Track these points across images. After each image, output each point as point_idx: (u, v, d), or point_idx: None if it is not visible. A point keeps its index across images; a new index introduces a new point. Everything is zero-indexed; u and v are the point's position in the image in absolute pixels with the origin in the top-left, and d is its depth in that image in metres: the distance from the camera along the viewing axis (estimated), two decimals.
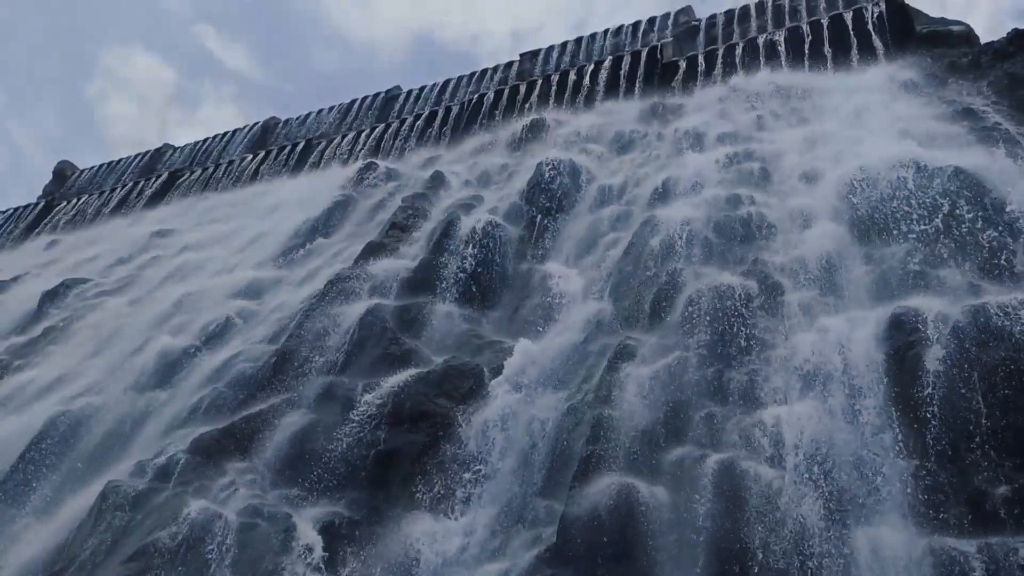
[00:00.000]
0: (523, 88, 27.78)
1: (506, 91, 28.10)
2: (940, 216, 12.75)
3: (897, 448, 9.53)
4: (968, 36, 21.63)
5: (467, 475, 10.99)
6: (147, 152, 37.81)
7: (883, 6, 22.74)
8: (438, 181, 20.60)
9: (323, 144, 30.88)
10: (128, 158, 38.28)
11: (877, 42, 22.07)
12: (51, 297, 20.83)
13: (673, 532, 9.10)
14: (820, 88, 20.96)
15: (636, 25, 30.34)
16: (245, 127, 36.10)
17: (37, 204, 36.93)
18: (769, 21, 26.18)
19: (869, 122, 17.63)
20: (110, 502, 11.17)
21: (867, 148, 15.63)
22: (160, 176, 34.26)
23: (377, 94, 33.62)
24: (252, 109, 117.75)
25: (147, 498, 11.18)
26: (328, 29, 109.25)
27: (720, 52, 24.97)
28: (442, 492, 10.87)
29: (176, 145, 37.71)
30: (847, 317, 11.56)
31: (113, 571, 10.04)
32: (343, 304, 14.76)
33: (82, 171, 39.25)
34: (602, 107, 24.75)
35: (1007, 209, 12.52)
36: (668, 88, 24.71)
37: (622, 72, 26.02)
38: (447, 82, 32.09)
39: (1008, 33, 19.39)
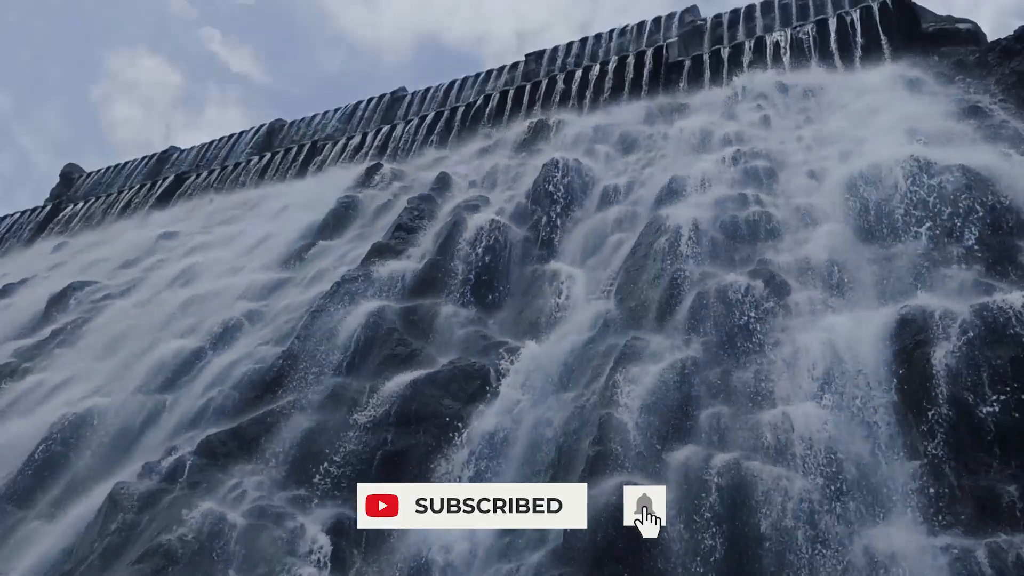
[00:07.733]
0: (528, 89, 27.74)
1: (511, 92, 28.06)
2: (947, 214, 12.73)
3: (905, 447, 9.51)
4: (975, 34, 21.60)
5: (474, 476, 10.97)
6: (153, 155, 37.85)
7: (890, 4, 22.67)
8: (444, 182, 20.58)
9: (329, 146, 30.86)
10: (134, 161, 38.33)
11: (883, 40, 22.00)
12: (58, 300, 20.88)
13: (679, 532, 9.08)
14: (826, 87, 20.91)
15: (641, 25, 30.29)
16: (251, 129, 36.04)
17: (44, 207, 36.98)
18: (775, 20, 26.15)
19: (875, 121, 17.56)
20: (118, 504, 11.19)
21: (874, 147, 15.59)
22: (166, 179, 34.27)
23: (382, 96, 33.62)
24: (257, 111, 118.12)
25: (155, 500, 11.19)
26: (333, 31, 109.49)
27: (726, 51, 24.94)
28: None
29: (182, 148, 37.70)
30: (854, 316, 11.53)
31: (121, 573, 10.06)
32: (349, 305, 14.76)
33: (89, 174, 39.31)
34: (608, 107, 24.72)
35: (1014, 207, 12.49)
36: (674, 88, 24.70)
37: (627, 72, 25.97)
38: (452, 83, 32.06)
39: (1015, 31, 19.29)
